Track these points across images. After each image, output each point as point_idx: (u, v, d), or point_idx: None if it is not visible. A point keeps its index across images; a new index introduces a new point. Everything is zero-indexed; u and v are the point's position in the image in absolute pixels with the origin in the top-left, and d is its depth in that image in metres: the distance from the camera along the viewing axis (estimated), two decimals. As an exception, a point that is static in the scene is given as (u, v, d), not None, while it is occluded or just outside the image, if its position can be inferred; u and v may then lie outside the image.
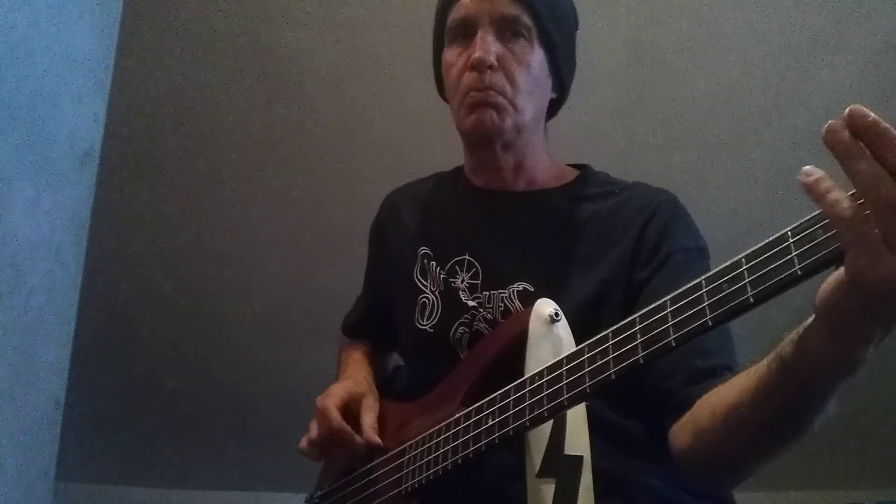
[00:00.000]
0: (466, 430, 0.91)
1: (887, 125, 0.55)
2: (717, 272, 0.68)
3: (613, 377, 0.75)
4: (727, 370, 0.89)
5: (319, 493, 1.16)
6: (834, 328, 0.63)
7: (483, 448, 0.88)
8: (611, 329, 0.77)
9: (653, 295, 0.85)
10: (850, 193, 0.56)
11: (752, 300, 0.64)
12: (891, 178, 0.54)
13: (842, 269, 0.59)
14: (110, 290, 2.37)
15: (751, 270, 0.64)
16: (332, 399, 1.09)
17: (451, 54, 1.11)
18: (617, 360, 0.75)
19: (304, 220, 2.43)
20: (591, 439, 0.87)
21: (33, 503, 1.35)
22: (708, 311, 0.67)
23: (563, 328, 0.93)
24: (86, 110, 1.48)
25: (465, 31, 1.09)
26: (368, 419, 1.08)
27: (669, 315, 0.71)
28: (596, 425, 0.88)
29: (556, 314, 0.94)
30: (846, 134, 0.55)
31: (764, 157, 2.34)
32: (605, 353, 0.76)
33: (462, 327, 1.09)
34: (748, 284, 0.64)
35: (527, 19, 1.07)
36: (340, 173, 2.35)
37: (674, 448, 0.90)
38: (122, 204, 2.29)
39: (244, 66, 2.19)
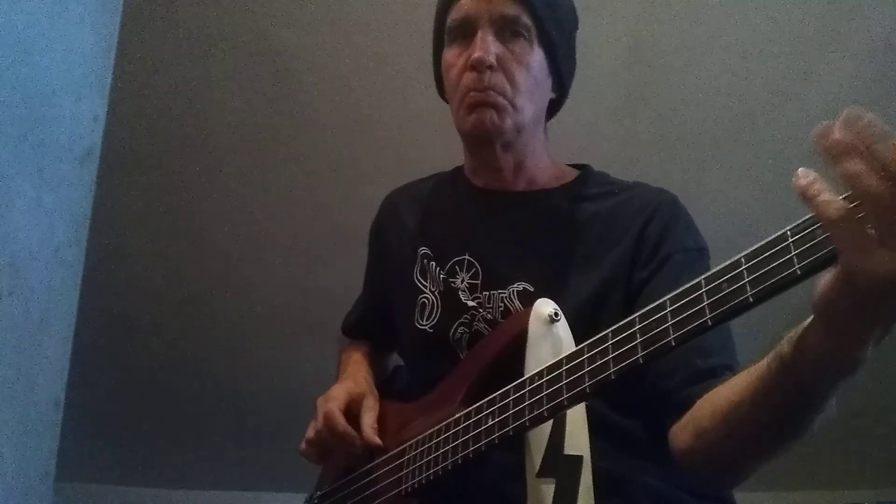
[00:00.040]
0: (466, 430, 0.91)
1: (875, 119, 0.55)
2: (716, 272, 0.68)
3: (613, 377, 0.75)
4: (727, 370, 0.88)
5: (319, 493, 1.16)
6: (832, 327, 0.63)
7: (483, 448, 0.88)
8: (610, 329, 0.77)
9: (653, 295, 0.84)
10: (843, 196, 0.56)
11: (751, 300, 0.64)
12: (879, 173, 0.54)
13: (837, 268, 0.59)
14: (110, 290, 2.36)
15: (750, 270, 0.64)
16: (335, 402, 1.09)
17: (450, 54, 1.11)
18: (616, 359, 0.75)
19: (304, 220, 2.42)
20: (590, 439, 0.87)
21: (33, 503, 1.35)
22: (707, 311, 0.67)
23: (562, 328, 0.94)
24: (86, 110, 1.48)
25: (465, 32, 1.09)
26: (368, 419, 1.08)
27: (669, 315, 0.71)
28: (596, 425, 0.88)
29: (556, 314, 0.94)
30: (835, 136, 0.55)
31: (764, 157, 2.34)
32: (604, 352, 0.76)
33: (462, 327, 1.09)
34: (748, 284, 0.64)
35: (526, 19, 1.07)
36: (341, 173, 2.35)
37: (674, 448, 0.90)
38: (122, 204, 2.28)
39: (244, 66, 2.19)
